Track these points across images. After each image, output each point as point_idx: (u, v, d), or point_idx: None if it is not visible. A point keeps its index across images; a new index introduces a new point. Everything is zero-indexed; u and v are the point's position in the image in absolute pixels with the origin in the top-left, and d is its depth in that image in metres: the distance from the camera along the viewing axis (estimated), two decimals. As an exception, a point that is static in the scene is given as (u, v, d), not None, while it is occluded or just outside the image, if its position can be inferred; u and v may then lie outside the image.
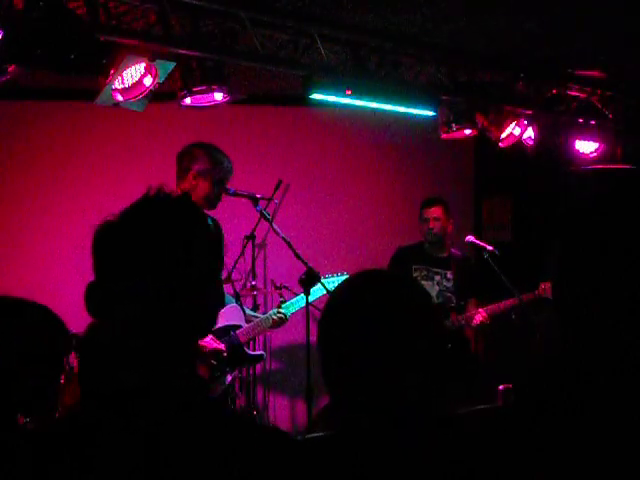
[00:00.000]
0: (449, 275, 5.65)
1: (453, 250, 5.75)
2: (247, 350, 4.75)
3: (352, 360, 1.52)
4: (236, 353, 4.53)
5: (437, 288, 5.63)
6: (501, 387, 3.83)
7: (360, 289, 1.60)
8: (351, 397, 1.53)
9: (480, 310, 5.51)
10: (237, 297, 4.81)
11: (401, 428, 1.49)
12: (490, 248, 5.60)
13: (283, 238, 4.68)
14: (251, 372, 5.87)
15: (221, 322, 4.49)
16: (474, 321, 5.49)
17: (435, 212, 5.63)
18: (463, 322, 5.53)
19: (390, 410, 1.49)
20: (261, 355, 5.06)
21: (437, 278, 5.66)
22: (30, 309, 2.06)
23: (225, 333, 4.50)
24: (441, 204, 5.67)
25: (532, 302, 5.45)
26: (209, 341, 4.35)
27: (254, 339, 5.66)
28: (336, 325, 1.57)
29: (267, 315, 4.79)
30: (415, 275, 5.63)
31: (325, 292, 4.75)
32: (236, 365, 4.69)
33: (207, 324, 1.61)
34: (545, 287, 5.38)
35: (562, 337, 1.34)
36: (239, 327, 4.59)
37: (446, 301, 5.60)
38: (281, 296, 5.23)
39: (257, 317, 4.81)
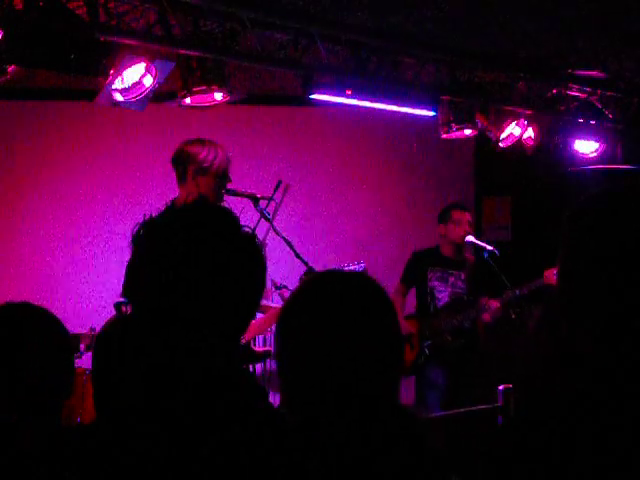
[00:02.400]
0: (463, 276, 5.67)
1: (467, 254, 5.77)
2: (253, 347, 4.73)
3: (306, 356, 1.54)
4: (242, 351, 4.50)
5: (450, 289, 5.64)
6: (501, 387, 3.83)
7: (313, 287, 1.64)
8: (305, 392, 1.54)
9: (492, 301, 5.49)
10: None
11: (357, 425, 1.50)
12: (490, 248, 5.60)
13: (283, 238, 4.67)
14: (251, 372, 5.86)
15: None
16: (488, 311, 5.46)
17: (469, 216, 5.67)
18: (476, 314, 5.52)
19: (345, 406, 1.51)
20: (268, 352, 5.04)
21: (451, 280, 5.67)
22: (35, 312, 2.08)
23: None
24: (468, 210, 5.73)
25: (538, 291, 5.45)
26: None
27: (255, 338, 5.67)
28: (292, 322, 1.59)
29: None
30: (429, 277, 5.65)
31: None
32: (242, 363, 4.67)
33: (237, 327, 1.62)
34: (548, 275, 5.38)
35: (567, 338, 1.34)
36: None
37: (459, 299, 5.61)
38: (281, 296, 5.22)
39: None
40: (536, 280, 5.46)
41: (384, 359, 1.55)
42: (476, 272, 5.70)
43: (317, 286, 1.64)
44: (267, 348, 5.18)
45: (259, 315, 4.68)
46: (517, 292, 5.49)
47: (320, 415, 1.52)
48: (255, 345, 5.07)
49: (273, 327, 5.35)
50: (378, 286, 1.66)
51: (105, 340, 2.27)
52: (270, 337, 6.04)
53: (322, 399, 1.52)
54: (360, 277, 1.68)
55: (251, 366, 5.83)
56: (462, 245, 5.70)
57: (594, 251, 1.30)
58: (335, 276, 1.68)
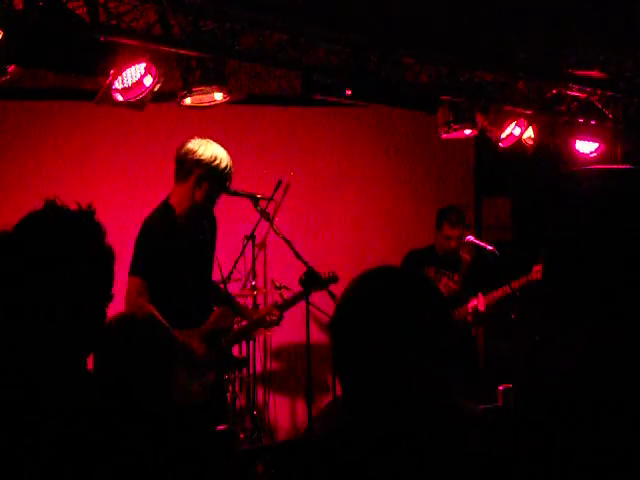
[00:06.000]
0: (456, 277, 5.68)
1: (462, 254, 5.77)
2: (233, 355, 4.72)
3: (367, 351, 1.55)
4: (222, 358, 4.50)
5: (442, 290, 5.65)
6: (501, 387, 3.83)
7: (377, 284, 1.63)
8: (365, 388, 1.54)
9: (478, 297, 5.50)
10: (229, 299, 4.78)
11: (409, 421, 1.50)
12: (490, 248, 5.60)
13: (283, 238, 4.67)
14: (251, 372, 5.87)
15: (212, 325, 4.47)
16: (469, 306, 5.49)
17: (458, 232, 5.64)
18: (464, 314, 5.54)
19: (400, 403, 1.51)
20: (245, 359, 5.04)
21: (444, 280, 5.67)
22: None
23: (215, 337, 4.48)
24: (463, 223, 5.67)
25: (529, 286, 5.43)
26: (200, 348, 4.34)
27: (254, 339, 5.67)
28: (354, 319, 1.59)
29: (260, 317, 4.75)
30: None
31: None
32: (222, 371, 4.64)
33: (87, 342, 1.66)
34: (539, 270, 5.35)
35: (563, 340, 1.34)
36: (229, 330, 4.57)
37: (453, 297, 5.62)
38: (281, 296, 5.23)
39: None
40: (523, 277, 5.44)
41: (441, 355, 1.56)
42: (471, 272, 5.70)
43: (369, 284, 1.64)
44: (244, 356, 5.18)
45: (234, 329, 4.67)
46: (504, 291, 5.48)
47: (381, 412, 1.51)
48: (254, 345, 5.08)
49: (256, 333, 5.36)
50: (431, 281, 1.68)
51: (106, 340, 2.28)
52: (268, 336, 6.05)
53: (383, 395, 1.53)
54: (412, 273, 1.68)
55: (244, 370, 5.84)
56: (457, 246, 5.70)
57: (585, 251, 1.30)
58: (382, 274, 1.68)
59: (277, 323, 4.70)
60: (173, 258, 4.25)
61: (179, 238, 4.30)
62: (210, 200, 4.37)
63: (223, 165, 4.29)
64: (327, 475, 1.48)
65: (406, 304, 1.56)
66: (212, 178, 4.29)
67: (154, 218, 4.30)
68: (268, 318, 4.67)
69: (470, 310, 5.49)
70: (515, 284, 5.46)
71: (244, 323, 4.75)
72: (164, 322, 4.14)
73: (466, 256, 5.78)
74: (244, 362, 5.07)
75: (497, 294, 5.51)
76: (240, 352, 4.99)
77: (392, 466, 1.46)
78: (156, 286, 4.18)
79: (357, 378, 1.55)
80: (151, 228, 4.25)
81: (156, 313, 4.12)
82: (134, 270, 4.17)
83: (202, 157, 4.28)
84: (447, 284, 5.67)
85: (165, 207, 4.34)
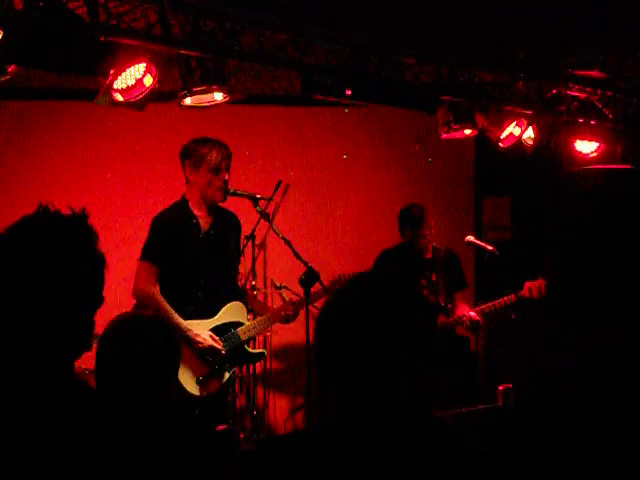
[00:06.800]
0: (433, 277, 5.64)
1: (434, 244, 5.73)
2: (247, 348, 4.75)
3: (356, 351, 1.54)
4: (235, 351, 4.54)
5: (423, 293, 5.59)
6: (501, 387, 3.83)
7: (364, 286, 1.63)
8: (346, 392, 1.54)
9: (471, 311, 5.46)
10: (242, 294, 4.83)
11: (394, 424, 1.49)
12: (490, 248, 5.59)
13: (283, 238, 4.68)
14: (251, 372, 5.87)
15: (223, 319, 4.50)
16: (465, 323, 5.44)
17: (424, 229, 5.63)
18: (453, 323, 5.49)
19: (384, 406, 1.50)
20: (261, 353, 5.05)
21: (423, 283, 5.63)
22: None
23: (226, 330, 4.51)
24: (425, 219, 5.66)
25: (523, 300, 5.40)
26: (206, 337, 4.36)
27: (255, 338, 5.67)
28: (338, 321, 1.59)
29: (275, 312, 4.79)
30: None
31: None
32: (235, 363, 4.69)
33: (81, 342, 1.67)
34: (531, 287, 5.31)
35: (563, 340, 1.34)
36: (241, 324, 4.60)
37: (433, 305, 5.56)
38: (281, 296, 5.23)
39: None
40: (516, 292, 5.38)
41: (424, 358, 1.55)
42: (447, 266, 5.65)
43: (355, 290, 1.64)
44: (261, 350, 5.19)
45: (247, 322, 4.69)
46: (499, 304, 5.44)
47: (362, 414, 1.51)
48: (254, 347, 5.08)
49: (272, 327, 5.37)
50: (414, 286, 1.67)
51: (108, 340, 2.29)
52: (268, 336, 6.04)
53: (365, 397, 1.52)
54: (394, 278, 1.69)
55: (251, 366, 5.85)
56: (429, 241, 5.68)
57: (585, 251, 1.30)
58: (370, 279, 1.69)
59: (294, 318, 4.75)
60: (185, 248, 4.37)
61: (192, 229, 4.44)
62: (213, 187, 4.46)
63: (207, 146, 4.48)
64: (309, 477, 1.47)
65: (395, 305, 1.56)
66: (202, 161, 4.45)
67: (168, 209, 4.52)
68: (283, 313, 4.72)
69: (468, 325, 5.43)
70: (501, 302, 5.41)
71: (259, 318, 4.78)
72: (169, 311, 4.21)
73: (437, 245, 5.74)
74: (260, 356, 5.09)
75: (497, 304, 5.45)
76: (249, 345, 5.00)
77: (381, 466, 1.45)
78: (168, 274, 4.29)
79: (344, 379, 1.54)
80: (164, 217, 4.46)
81: (160, 299, 4.24)
82: (143, 255, 4.37)
83: (189, 146, 4.50)
84: (427, 286, 5.62)
85: (180, 201, 4.54)
